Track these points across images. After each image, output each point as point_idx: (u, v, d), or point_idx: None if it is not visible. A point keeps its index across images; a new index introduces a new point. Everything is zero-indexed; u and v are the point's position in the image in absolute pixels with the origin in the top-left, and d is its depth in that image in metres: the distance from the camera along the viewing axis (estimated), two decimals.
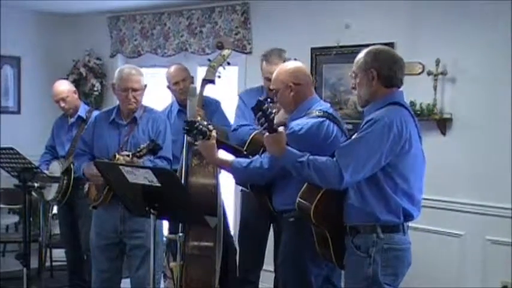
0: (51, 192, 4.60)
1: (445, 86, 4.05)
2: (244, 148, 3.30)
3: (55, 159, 4.68)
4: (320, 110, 3.03)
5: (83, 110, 4.71)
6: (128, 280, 3.85)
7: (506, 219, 3.79)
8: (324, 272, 3.10)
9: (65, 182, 4.49)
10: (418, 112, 4.11)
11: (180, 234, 3.24)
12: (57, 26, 6.61)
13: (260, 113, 2.72)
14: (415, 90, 4.16)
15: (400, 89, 2.76)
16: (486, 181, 3.91)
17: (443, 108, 4.06)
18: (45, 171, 4.58)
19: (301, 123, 2.96)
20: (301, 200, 2.81)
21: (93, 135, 3.82)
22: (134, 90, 3.68)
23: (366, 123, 2.64)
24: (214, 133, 3.12)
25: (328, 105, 3.14)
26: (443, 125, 4.06)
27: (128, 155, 3.43)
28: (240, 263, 4.11)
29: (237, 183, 3.65)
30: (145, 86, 3.77)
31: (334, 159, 2.63)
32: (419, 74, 4.15)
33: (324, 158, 2.67)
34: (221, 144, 3.30)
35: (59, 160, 4.61)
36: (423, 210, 4.12)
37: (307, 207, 2.75)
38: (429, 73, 4.06)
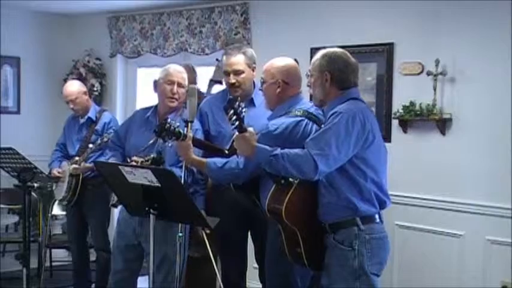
0: (61, 191, 4.60)
1: (444, 86, 4.05)
2: (227, 148, 3.23)
3: (65, 159, 4.67)
4: (300, 109, 3.04)
5: (93, 111, 4.67)
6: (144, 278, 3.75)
7: (506, 219, 3.79)
8: (311, 272, 3.10)
9: (73, 181, 4.48)
10: (418, 112, 4.11)
11: (180, 234, 3.23)
12: (57, 26, 6.61)
13: (232, 112, 2.75)
14: (414, 90, 4.18)
15: (356, 87, 2.90)
16: (486, 181, 3.91)
17: (443, 108, 4.05)
18: (57, 168, 4.58)
19: (276, 123, 2.99)
20: (271, 205, 2.88)
21: (127, 131, 3.76)
22: (180, 85, 3.59)
23: (330, 116, 2.76)
24: (190, 134, 3.13)
25: (310, 104, 3.12)
26: (443, 125, 4.05)
27: (137, 161, 3.36)
28: (227, 274, 3.83)
29: (214, 182, 3.59)
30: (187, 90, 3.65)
31: (306, 150, 2.70)
32: (418, 74, 4.16)
33: (296, 150, 2.73)
34: (201, 145, 3.31)
35: (68, 160, 4.60)
36: (423, 210, 4.20)
37: (278, 209, 2.82)
38: (429, 73, 4.05)
